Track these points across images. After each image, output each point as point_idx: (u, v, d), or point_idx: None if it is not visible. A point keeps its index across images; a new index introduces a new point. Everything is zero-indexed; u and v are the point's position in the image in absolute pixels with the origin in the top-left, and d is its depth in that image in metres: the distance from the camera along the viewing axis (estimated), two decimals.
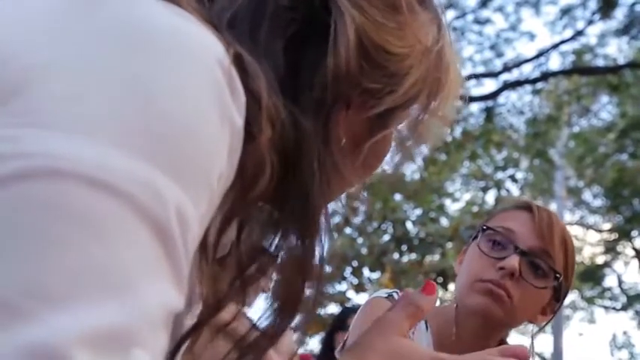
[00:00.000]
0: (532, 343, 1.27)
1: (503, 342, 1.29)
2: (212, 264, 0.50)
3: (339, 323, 3.63)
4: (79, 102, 0.37)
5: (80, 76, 0.38)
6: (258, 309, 0.55)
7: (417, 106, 0.61)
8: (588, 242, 16.61)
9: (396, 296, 1.23)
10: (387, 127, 0.60)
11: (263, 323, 0.54)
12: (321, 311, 11.13)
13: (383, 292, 1.25)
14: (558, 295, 1.22)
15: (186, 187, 0.39)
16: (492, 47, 11.05)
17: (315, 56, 0.53)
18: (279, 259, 0.53)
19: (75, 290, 0.33)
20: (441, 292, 12.06)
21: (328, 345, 3.55)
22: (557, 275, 1.18)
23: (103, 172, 0.35)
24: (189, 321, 0.52)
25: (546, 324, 1.27)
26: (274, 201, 0.53)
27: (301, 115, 0.51)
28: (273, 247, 0.53)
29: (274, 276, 0.55)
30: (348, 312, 3.75)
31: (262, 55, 0.50)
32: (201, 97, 0.41)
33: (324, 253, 0.56)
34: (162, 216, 0.37)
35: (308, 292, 0.54)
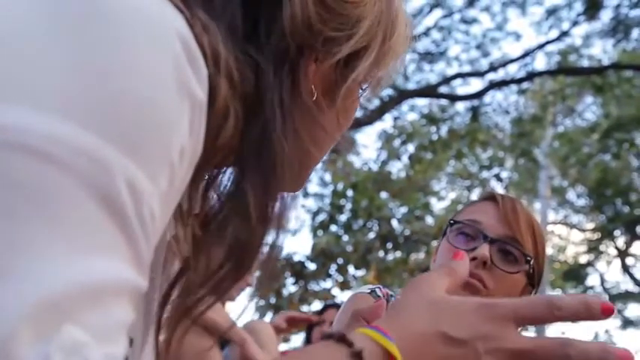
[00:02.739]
0: None
1: None
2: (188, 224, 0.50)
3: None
4: (27, 73, 0.36)
5: (31, 48, 0.37)
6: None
7: (375, 50, 0.61)
8: (572, 241, 16.75)
9: (378, 292, 1.25)
10: (351, 77, 0.60)
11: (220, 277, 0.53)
12: (306, 309, 11.14)
13: (365, 288, 1.27)
14: (533, 281, 1.23)
15: (139, 160, 0.38)
16: (479, 47, 11.07)
17: (271, 7, 0.54)
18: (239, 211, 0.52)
19: (12, 261, 0.33)
20: None
21: (309, 341, 3.60)
22: (528, 258, 1.20)
23: (48, 144, 0.35)
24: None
25: None
26: (238, 153, 0.52)
27: (263, 65, 0.51)
28: (234, 199, 0.52)
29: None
30: (325, 307, 3.82)
31: (220, 11, 0.50)
32: (157, 71, 0.40)
33: (287, 207, 0.56)
34: (110, 188, 0.36)
35: (266, 243, 0.53)
